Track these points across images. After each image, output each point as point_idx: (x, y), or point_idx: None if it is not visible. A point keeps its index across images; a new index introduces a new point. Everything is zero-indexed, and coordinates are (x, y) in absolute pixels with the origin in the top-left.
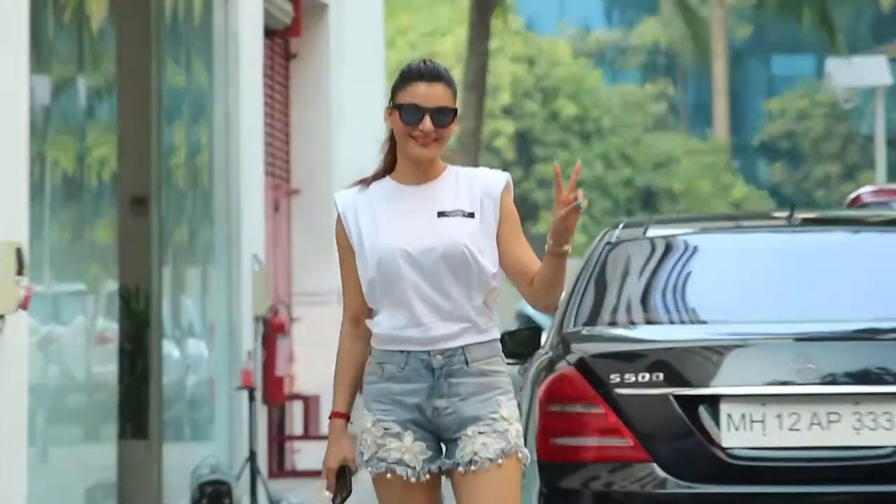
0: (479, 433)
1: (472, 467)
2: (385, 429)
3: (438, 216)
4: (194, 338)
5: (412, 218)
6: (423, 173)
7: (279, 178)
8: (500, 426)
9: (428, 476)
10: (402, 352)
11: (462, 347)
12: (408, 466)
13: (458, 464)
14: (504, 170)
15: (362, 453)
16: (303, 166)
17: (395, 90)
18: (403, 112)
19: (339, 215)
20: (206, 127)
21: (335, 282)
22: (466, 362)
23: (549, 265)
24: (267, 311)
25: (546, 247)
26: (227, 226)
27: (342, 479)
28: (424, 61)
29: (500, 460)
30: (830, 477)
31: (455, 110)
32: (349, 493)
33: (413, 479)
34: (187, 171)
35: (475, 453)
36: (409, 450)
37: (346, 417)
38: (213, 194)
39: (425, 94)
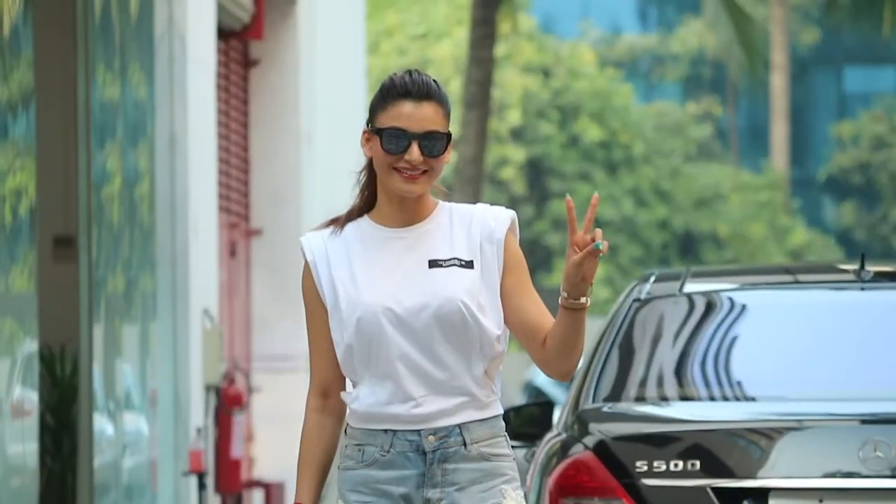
0: None
1: None
2: None
3: (430, 266)
4: (132, 411)
5: (398, 269)
6: (410, 213)
7: (236, 215)
8: None
9: None
10: (385, 431)
11: (459, 426)
12: None
13: None
14: (510, 207)
15: None
16: (266, 200)
17: (375, 110)
18: (385, 138)
19: (306, 263)
20: (147, 150)
21: (304, 344)
22: (465, 444)
23: (564, 322)
24: (220, 380)
25: (560, 300)
26: (173, 273)
27: None
28: (411, 73)
29: None
30: None
31: (449, 135)
32: None
33: None
34: (123, 204)
35: None
36: None
37: None
38: (154, 234)
39: (412, 115)
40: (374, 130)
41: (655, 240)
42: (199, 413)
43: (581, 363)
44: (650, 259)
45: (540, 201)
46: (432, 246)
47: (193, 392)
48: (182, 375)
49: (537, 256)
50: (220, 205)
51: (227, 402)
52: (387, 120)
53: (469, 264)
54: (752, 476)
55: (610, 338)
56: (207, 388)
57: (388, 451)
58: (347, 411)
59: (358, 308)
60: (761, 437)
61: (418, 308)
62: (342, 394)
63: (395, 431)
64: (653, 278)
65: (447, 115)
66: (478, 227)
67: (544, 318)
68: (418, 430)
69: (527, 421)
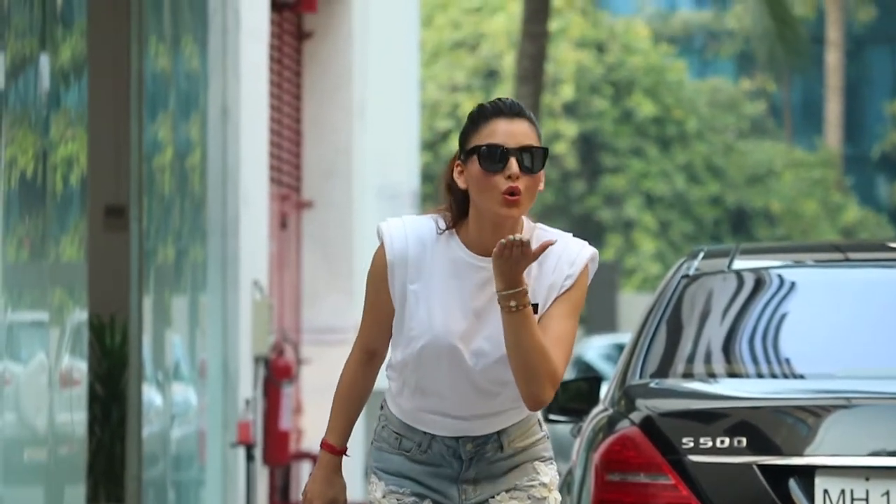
0: (511, 499)
1: None
2: (398, 500)
3: None
4: (181, 382)
5: (473, 304)
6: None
7: (288, 187)
8: (539, 493)
9: None
10: (425, 433)
11: (497, 433)
12: None
13: None
14: (563, 182)
15: None
16: (317, 173)
17: (466, 137)
18: (482, 156)
19: (383, 253)
20: (199, 121)
21: (353, 316)
22: (501, 448)
23: (504, 323)
24: (270, 351)
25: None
26: (223, 244)
27: None
28: (500, 98)
29: None
30: None
31: (546, 150)
32: None
33: None
34: (174, 175)
35: None
36: None
37: (342, 453)
38: (205, 205)
39: (507, 131)
40: (469, 152)
41: (707, 216)
42: (247, 384)
43: (628, 341)
44: (702, 235)
45: (592, 176)
46: None
47: (242, 363)
48: (231, 346)
49: (589, 231)
50: (272, 176)
51: (276, 374)
52: (481, 139)
53: (535, 307)
54: (799, 453)
55: (658, 313)
56: (256, 360)
57: (426, 451)
58: (387, 394)
59: (425, 336)
60: (808, 415)
61: (483, 353)
62: (388, 373)
63: (433, 436)
64: (701, 255)
65: (539, 136)
66: (561, 270)
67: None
68: (457, 438)
69: (574, 396)
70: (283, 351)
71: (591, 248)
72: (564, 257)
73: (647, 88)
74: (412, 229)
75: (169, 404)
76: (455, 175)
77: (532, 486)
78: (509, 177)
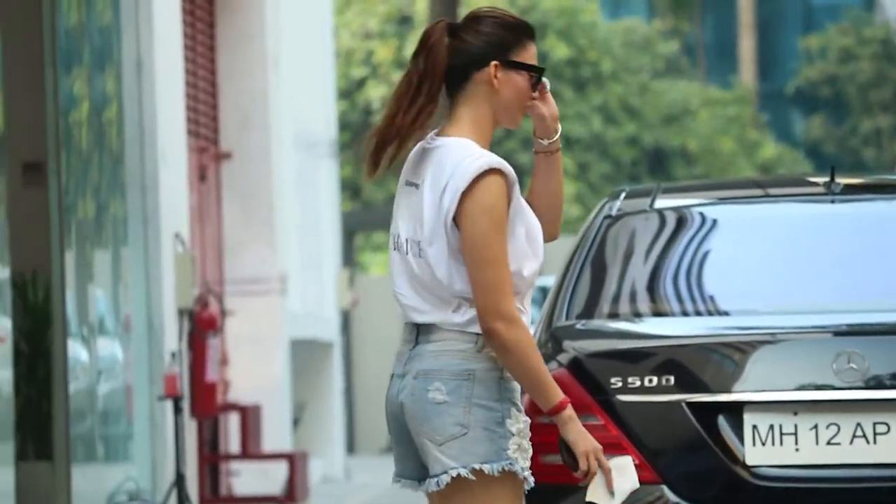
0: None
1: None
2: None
3: None
4: (106, 336)
5: None
6: None
7: (205, 139)
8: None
9: None
10: None
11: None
12: None
13: None
14: None
15: (513, 460)
16: (234, 124)
17: (509, 45)
18: (534, 76)
19: (506, 179)
20: (114, 75)
21: (276, 266)
22: None
23: (545, 170)
24: (194, 304)
25: (535, 149)
26: (143, 198)
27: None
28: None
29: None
30: (876, 500)
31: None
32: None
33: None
34: (91, 129)
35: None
36: None
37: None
38: (124, 158)
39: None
40: (517, 65)
41: (625, 156)
42: (173, 337)
43: (554, 281)
44: (620, 176)
45: None
46: None
47: (167, 316)
48: (155, 300)
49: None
50: (189, 129)
51: (201, 326)
52: (529, 58)
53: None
54: (727, 390)
55: (581, 255)
56: (181, 313)
57: None
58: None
59: (541, 235)
60: (735, 352)
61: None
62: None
63: None
64: (623, 195)
65: None
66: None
67: None
68: None
69: None
70: (206, 303)
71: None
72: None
73: (560, 30)
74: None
75: (94, 359)
76: (492, 73)
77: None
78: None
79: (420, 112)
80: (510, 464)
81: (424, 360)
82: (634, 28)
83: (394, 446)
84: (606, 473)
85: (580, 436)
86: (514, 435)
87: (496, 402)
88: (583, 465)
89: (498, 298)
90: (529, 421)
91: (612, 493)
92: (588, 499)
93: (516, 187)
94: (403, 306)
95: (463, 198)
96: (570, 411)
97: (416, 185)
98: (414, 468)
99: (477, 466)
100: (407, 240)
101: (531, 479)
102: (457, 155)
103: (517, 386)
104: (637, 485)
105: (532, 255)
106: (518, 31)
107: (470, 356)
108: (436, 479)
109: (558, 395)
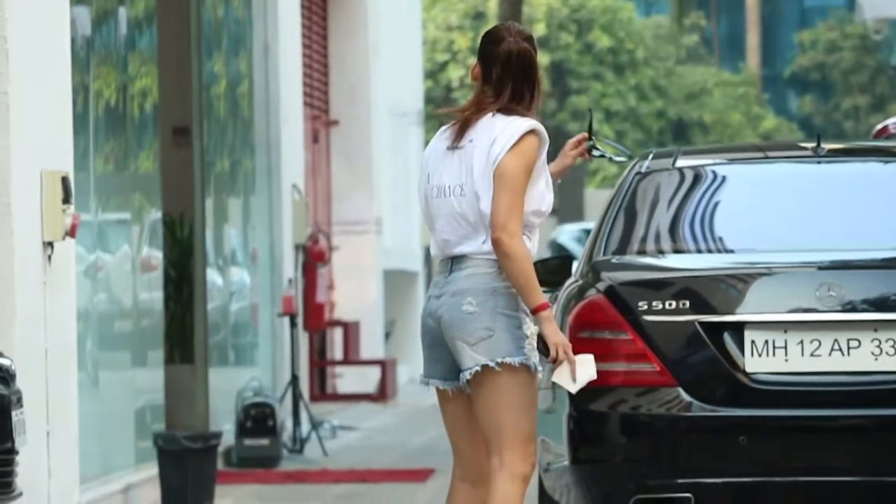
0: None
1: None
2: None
3: None
4: (237, 266)
5: None
6: None
7: (318, 109)
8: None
9: None
10: None
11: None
12: None
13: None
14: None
15: (528, 356)
16: (341, 97)
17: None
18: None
19: (539, 143)
20: (246, 57)
21: (373, 211)
22: None
23: (559, 172)
24: (307, 240)
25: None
26: (268, 156)
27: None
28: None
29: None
30: (849, 401)
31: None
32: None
33: None
34: (227, 101)
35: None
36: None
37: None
38: (253, 125)
39: None
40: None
41: (654, 126)
42: (290, 267)
43: (594, 225)
44: (650, 142)
45: (561, 97)
46: None
47: (286, 250)
48: (276, 237)
49: (559, 143)
50: (305, 101)
51: (313, 258)
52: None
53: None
54: (731, 312)
55: (617, 204)
56: (296, 247)
57: None
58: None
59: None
60: (738, 281)
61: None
62: (525, 235)
63: None
64: (651, 156)
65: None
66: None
67: None
68: None
69: (551, 270)
70: (317, 240)
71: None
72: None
73: (604, 25)
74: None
75: (228, 284)
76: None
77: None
78: None
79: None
80: (527, 358)
81: (459, 282)
82: (662, 23)
83: (426, 353)
84: (571, 364)
85: (553, 332)
86: (527, 336)
87: (514, 311)
88: (552, 354)
89: (507, 217)
90: (533, 327)
91: (574, 379)
92: (553, 379)
93: (545, 147)
94: (441, 242)
95: (511, 147)
96: (548, 313)
97: (460, 147)
98: (442, 370)
99: (501, 360)
100: (450, 186)
101: (541, 370)
102: (504, 120)
103: (519, 299)
104: (595, 376)
105: (546, 198)
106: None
107: (494, 277)
108: (469, 371)
109: (542, 298)
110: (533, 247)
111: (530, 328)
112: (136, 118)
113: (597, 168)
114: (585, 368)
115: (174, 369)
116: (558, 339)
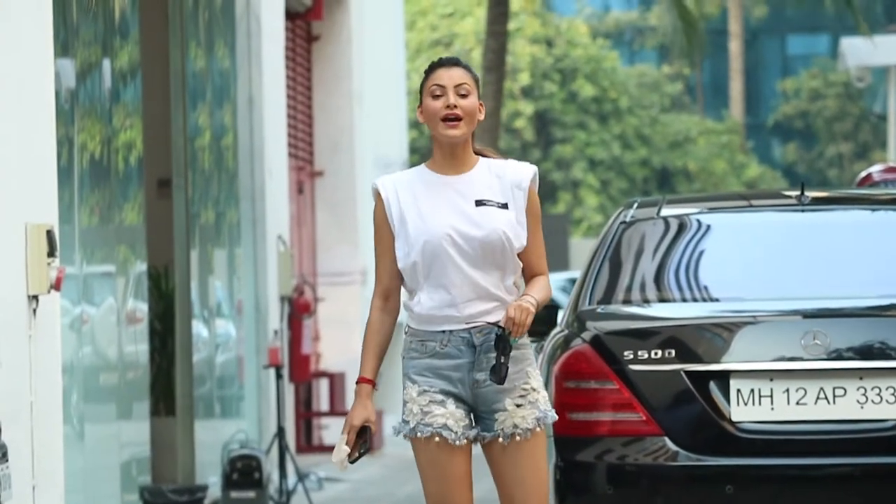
0: (517, 406)
1: (517, 438)
2: (430, 398)
3: (476, 205)
4: (222, 317)
5: (454, 205)
6: (458, 163)
7: (302, 160)
8: (532, 397)
9: (465, 442)
10: (443, 331)
11: (496, 323)
12: (451, 431)
13: (500, 436)
14: (523, 150)
15: (407, 421)
16: (325, 148)
17: (421, 88)
18: (429, 95)
19: (380, 198)
20: (230, 109)
21: (358, 262)
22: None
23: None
24: (292, 292)
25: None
26: (253, 207)
27: (362, 437)
28: (442, 56)
29: (536, 429)
30: (835, 449)
31: (477, 82)
32: (367, 450)
33: (456, 443)
34: (212, 153)
35: (516, 426)
36: (452, 415)
37: (373, 384)
38: (238, 176)
39: (445, 75)
40: (422, 93)
41: (638, 175)
42: (275, 318)
43: (579, 274)
44: (634, 191)
45: (546, 146)
46: (477, 189)
47: (271, 302)
48: (261, 288)
49: (543, 190)
50: (290, 152)
51: (298, 310)
52: (429, 84)
53: (504, 206)
54: (717, 361)
55: (602, 253)
56: (282, 299)
57: (446, 346)
58: (409, 315)
59: (424, 234)
60: (723, 330)
61: (471, 236)
62: (405, 301)
63: (450, 331)
64: (636, 205)
65: (476, 81)
66: (510, 178)
67: (538, 261)
68: (469, 329)
69: (537, 320)
70: (302, 291)
71: (532, 166)
72: (514, 168)
73: (588, 74)
74: (398, 174)
75: (213, 336)
76: (418, 115)
77: (527, 390)
78: (447, 105)
79: None
80: (403, 424)
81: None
82: (646, 72)
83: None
84: (341, 442)
85: (352, 410)
86: (405, 402)
87: (406, 373)
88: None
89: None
90: (419, 390)
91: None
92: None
93: (389, 201)
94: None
95: None
96: (359, 388)
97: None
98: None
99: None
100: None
101: (425, 433)
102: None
103: (412, 362)
104: (341, 457)
105: (410, 252)
106: (426, 70)
107: None
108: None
109: (363, 371)
110: (416, 303)
111: (408, 393)
112: (121, 170)
113: (581, 217)
114: (337, 447)
115: (160, 422)
116: (350, 417)
